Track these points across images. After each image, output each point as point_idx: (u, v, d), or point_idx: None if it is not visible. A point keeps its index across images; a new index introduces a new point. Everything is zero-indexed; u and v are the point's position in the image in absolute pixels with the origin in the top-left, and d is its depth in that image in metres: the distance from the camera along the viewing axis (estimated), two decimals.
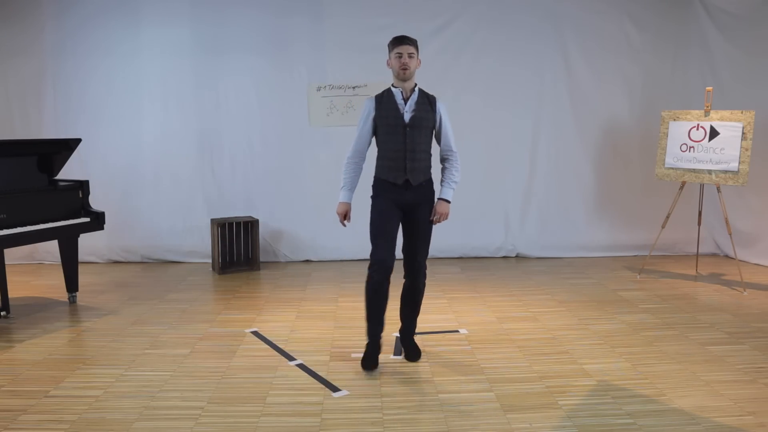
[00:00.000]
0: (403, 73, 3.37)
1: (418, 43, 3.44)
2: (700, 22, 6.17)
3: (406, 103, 3.41)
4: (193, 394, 3.17)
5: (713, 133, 5.21)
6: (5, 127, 6.03)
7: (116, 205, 6.00)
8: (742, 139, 5.04)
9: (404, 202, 3.47)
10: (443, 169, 3.59)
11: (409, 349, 3.70)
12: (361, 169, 3.61)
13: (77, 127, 6.00)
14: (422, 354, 3.70)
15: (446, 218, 3.55)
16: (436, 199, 3.54)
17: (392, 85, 3.48)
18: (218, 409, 3.01)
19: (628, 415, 2.92)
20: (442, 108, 3.50)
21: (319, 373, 3.43)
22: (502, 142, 6.26)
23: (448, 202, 3.52)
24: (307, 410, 3.00)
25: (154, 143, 6.12)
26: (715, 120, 5.20)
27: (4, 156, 4.38)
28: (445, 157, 3.58)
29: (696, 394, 3.15)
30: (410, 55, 3.35)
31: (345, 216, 3.59)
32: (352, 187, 3.57)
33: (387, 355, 3.69)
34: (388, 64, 3.45)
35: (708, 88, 5.29)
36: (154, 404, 3.06)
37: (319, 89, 6.11)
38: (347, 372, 3.45)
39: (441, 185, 3.57)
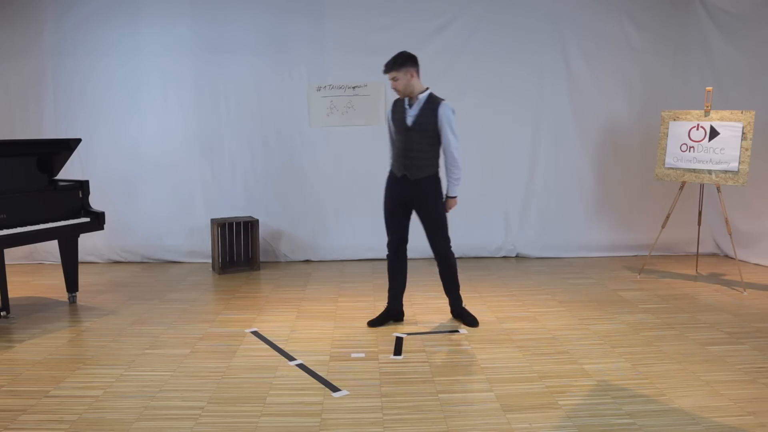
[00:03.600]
0: (397, 94, 3.94)
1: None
2: (701, 22, 6.17)
3: (411, 109, 3.91)
4: (193, 394, 3.17)
5: (713, 133, 5.21)
6: (5, 127, 6.03)
7: (116, 205, 6.00)
8: (742, 139, 5.04)
9: (404, 195, 4.02)
10: (446, 169, 4.03)
11: (465, 318, 4.27)
12: None
13: (77, 127, 6.00)
14: (424, 353, 3.71)
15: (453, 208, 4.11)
16: (444, 196, 4.07)
17: None
18: (218, 409, 3.01)
19: (628, 415, 2.92)
20: (442, 111, 3.88)
21: (319, 373, 3.43)
22: (502, 142, 6.26)
23: (454, 197, 4.07)
24: (307, 410, 3.00)
25: (154, 143, 6.12)
26: (715, 120, 5.20)
27: (4, 156, 4.38)
28: (445, 157, 4.00)
29: (696, 394, 3.15)
30: (394, 79, 3.87)
31: None
32: None
33: (387, 355, 3.69)
34: None
35: (708, 88, 5.29)
36: (154, 404, 3.06)
37: (319, 89, 6.11)
38: (347, 372, 3.45)
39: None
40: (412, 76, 3.86)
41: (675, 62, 6.26)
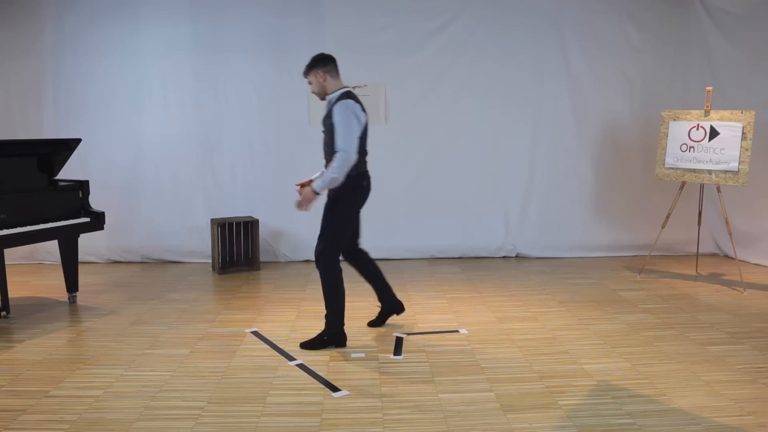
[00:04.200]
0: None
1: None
2: (701, 22, 6.17)
3: (326, 110, 3.80)
4: (193, 394, 3.17)
5: (713, 133, 5.21)
6: (5, 127, 6.03)
7: (116, 205, 5.99)
8: (742, 139, 5.04)
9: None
10: None
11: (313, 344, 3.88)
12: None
13: (77, 127, 6.00)
14: (424, 353, 3.71)
15: (306, 204, 3.68)
16: (346, 201, 3.78)
17: None
18: (218, 409, 3.01)
19: (628, 415, 2.92)
20: (336, 109, 3.65)
21: (319, 373, 3.43)
22: (502, 142, 6.26)
23: (315, 192, 3.65)
24: (307, 410, 3.00)
25: (154, 143, 6.12)
26: (715, 120, 5.20)
27: (4, 156, 4.38)
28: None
29: (696, 394, 3.15)
30: (309, 83, 3.82)
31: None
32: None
33: (387, 355, 3.69)
34: None
35: (708, 88, 5.29)
36: (154, 404, 3.06)
37: None
38: (347, 372, 3.45)
39: None
40: (323, 78, 3.75)
41: (675, 62, 6.26)
